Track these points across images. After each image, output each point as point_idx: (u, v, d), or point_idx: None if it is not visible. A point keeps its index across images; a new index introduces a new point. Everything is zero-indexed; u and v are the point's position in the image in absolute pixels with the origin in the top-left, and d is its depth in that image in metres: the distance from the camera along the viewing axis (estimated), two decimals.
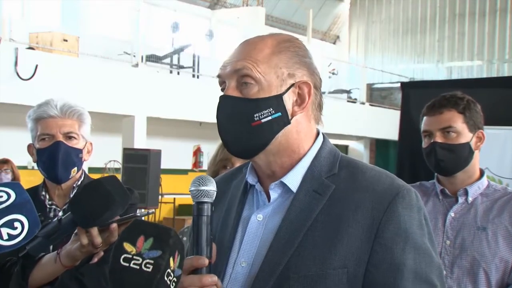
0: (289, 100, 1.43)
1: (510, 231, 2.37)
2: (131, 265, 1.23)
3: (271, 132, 1.41)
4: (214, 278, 1.33)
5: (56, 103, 2.29)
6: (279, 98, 1.41)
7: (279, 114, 1.41)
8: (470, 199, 2.48)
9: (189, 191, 1.39)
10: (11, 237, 1.61)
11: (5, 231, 1.60)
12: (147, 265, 1.22)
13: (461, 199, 2.49)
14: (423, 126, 2.54)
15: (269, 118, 1.40)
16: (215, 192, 1.39)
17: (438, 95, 2.57)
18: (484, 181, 2.51)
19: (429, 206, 2.52)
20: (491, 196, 2.47)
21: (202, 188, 1.38)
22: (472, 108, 2.48)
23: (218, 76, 1.47)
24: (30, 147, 2.33)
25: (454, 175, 2.50)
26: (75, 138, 2.29)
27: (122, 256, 1.24)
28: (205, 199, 1.37)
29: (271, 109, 1.40)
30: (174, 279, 1.25)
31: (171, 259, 1.24)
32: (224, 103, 1.43)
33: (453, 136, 2.46)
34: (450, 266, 2.41)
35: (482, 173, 2.53)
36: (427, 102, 2.59)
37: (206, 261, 1.34)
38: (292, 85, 1.43)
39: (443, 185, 2.55)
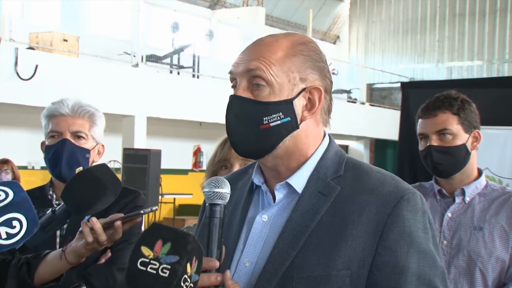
0: (299, 104, 1.42)
1: (507, 230, 2.37)
2: (148, 269, 1.22)
3: (279, 136, 1.41)
4: (221, 277, 1.33)
5: (68, 102, 2.30)
6: (289, 102, 1.41)
7: (288, 119, 1.41)
8: (467, 199, 2.47)
9: (203, 192, 1.39)
10: (9, 236, 1.61)
11: (3, 230, 1.60)
12: (164, 270, 1.22)
13: (458, 199, 2.49)
14: (418, 129, 2.53)
15: (278, 122, 1.40)
16: (229, 195, 1.39)
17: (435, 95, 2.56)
18: (482, 180, 2.51)
19: None
20: (488, 196, 2.47)
21: (217, 190, 1.37)
22: (466, 108, 2.47)
23: (230, 73, 1.46)
24: (42, 144, 2.34)
25: (451, 177, 2.50)
26: (83, 137, 2.29)
27: (139, 260, 1.23)
28: (219, 201, 1.37)
29: (281, 114, 1.40)
30: (191, 284, 1.25)
31: (188, 264, 1.24)
32: (234, 103, 1.43)
33: (449, 138, 2.45)
34: (447, 267, 2.40)
35: (480, 172, 2.53)
36: None
37: (217, 264, 1.34)
38: (303, 89, 1.42)
39: (440, 186, 2.55)
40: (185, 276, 1.23)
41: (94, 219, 1.84)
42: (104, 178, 1.91)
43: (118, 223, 1.83)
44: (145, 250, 1.24)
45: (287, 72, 1.41)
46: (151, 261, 1.23)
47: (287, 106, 1.41)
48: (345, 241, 1.36)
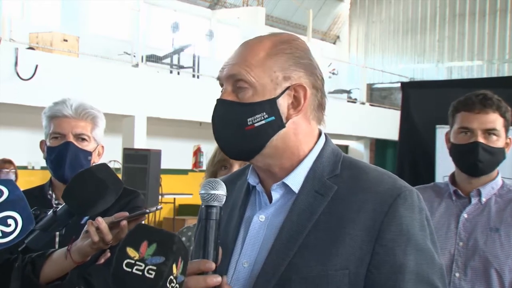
0: (284, 103, 1.42)
1: None
2: (134, 270, 1.22)
3: (266, 136, 1.41)
4: (218, 279, 1.33)
5: (71, 103, 2.30)
6: (272, 102, 1.40)
7: (273, 118, 1.40)
8: (483, 199, 2.44)
9: (199, 194, 1.39)
10: (4, 234, 1.61)
11: None
12: (150, 271, 1.22)
13: (474, 200, 2.45)
14: (460, 122, 2.46)
15: (263, 122, 1.40)
16: (225, 197, 1.39)
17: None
18: (499, 181, 2.48)
19: (442, 208, 2.48)
20: (505, 197, 2.44)
21: (212, 192, 1.37)
22: (509, 111, 2.46)
23: (218, 78, 1.47)
24: (42, 143, 2.34)
25: (480, 177, 2.46)
26: (86, 140, 2.29)
27: (125, 261, 1.23)
28: (215, 203, 1.37)
29: (264, 114, 1.40)
30: (177, 285, 1.25)
31: (174, 265, 1.24)
32: (219, 106, 1.44)
33: (494, 139, 2.42)
34: (464, 268, 2.38)
35: (497, 173, 2.50)
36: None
37: (213, 266, 1.34)
38: (288, 88, 1.42)
39: (457, 186, 2.50)
40: (171, 277, 1.23)
41: (100, 218, 1.85)
42: (105, 177, 1.91)
43: (124, 222, 1.84)
44: (130, 251, 1.24)
45: (268, 72, 1.41)
46: (137, 262, 1.23)
47: (270, 105, 1.40)
48: (342, 241, 1.36)
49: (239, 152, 1.45)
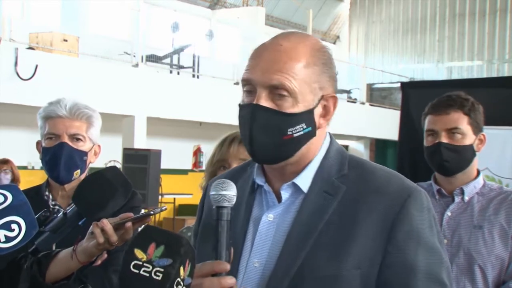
0: (317, 113, 1.44)
1: (506, 229, 2.41)
2: (141, 272, 1.23)
3: (299, 145, 1.43)
4: (233, 280, 1.34)
5: (66, 103, 2.28)
6: (311, 112, 1.42)
7: (310, 128, 1.42)
8: (466, 198, 2.51)
9: (210, 195, 1.39)
10: (8, 239, 1.61)
11: (2, 233, 1.60)
12: (157, 273, 1.22)
13: (457, 199, 2.53)
14: (427, 125, 2.56)
15: (301, 133, 1.41)
16: (235, 197, 1.39)
17: (440, 95, 2.58)
18: (480, 180, 2.55)
19: None
20: (487, 195, 2.51)
21: (223, 193, 1.38)
22: (476, 109, 2.51)
23: (246, 79, 1.43)
24: (38, 144, 2.34)
25: (454, 176, 2.52)
26: (81, 140, 2.28)
27: (133, 263, 1.24)
28: (225, 204, 1.38)
29: (304, 124, 1.41)
30: None
31: (181, 268, 1.24)
32: (258, 113, 1.40)
33: (458, 137, 2.48)
34: None
35: (478, 173, 2.57)
36: (427, 102, 2.60)
37: (228, 267, 1.35)
38: (322, 97, 1.44)
39: (440, 185, 2.58)
40: (178, 279, 1.24)
41: (104, 220, 1.84)
42: (114, 180, 1.92)
43: (129, 224, 1.83)
44: (138, 252, 1.24)
45: (308, 83, 1.41)
46: (144, 264, 1.23)
47: (309, 116, 1.42)
48: (354, 241, 1.37)
49: (268, 158, 1.45)
